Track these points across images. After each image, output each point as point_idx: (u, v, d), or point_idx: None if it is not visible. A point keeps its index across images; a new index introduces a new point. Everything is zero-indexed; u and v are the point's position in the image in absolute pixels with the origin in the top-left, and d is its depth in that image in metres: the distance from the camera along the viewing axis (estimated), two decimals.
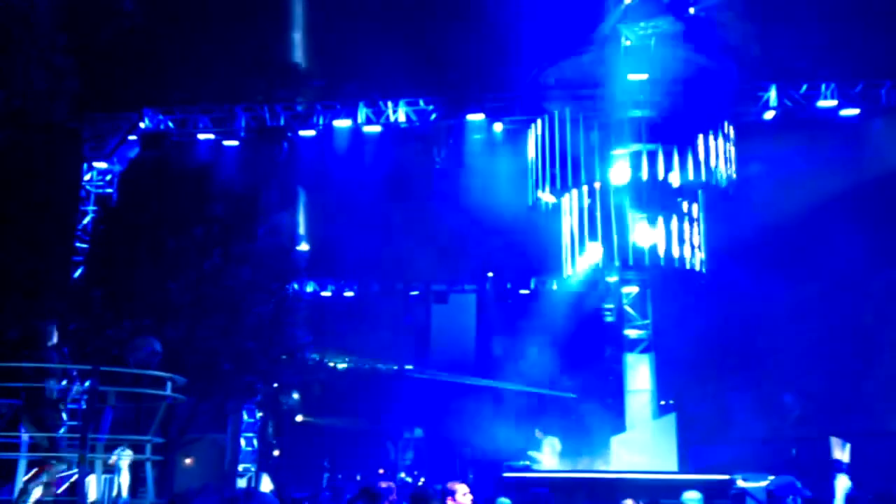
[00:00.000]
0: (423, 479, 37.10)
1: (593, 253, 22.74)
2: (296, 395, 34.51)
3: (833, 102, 24.13)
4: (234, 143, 25.93)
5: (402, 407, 36.99)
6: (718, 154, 22.90)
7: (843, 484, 9.12)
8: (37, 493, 9.49)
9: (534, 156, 24.22)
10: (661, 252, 22.32)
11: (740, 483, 17.63)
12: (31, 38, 20.12)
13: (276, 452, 36.78)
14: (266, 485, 29.47)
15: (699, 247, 22.91)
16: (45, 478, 9.54)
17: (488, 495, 13.66)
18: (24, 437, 9.68)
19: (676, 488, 13.74)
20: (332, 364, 34.26)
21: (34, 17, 20.09)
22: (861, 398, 26.16)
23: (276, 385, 27.92)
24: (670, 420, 22.37)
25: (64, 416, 10.09)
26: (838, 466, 10.35)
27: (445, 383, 34.93)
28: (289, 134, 26.06)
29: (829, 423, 25.43)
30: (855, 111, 24.07)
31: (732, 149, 23.57)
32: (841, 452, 10.55)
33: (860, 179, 24.86)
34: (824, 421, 25.95)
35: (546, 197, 23.93)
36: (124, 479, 10.16)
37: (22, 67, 19.93)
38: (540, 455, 22.33)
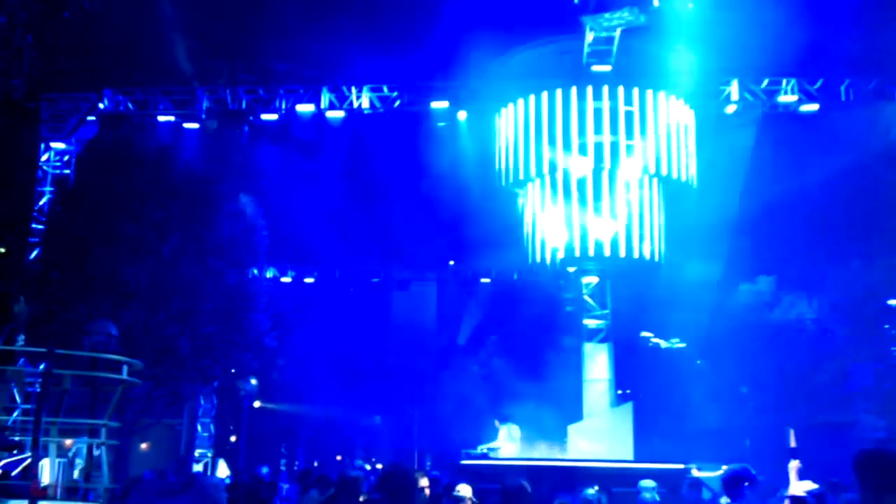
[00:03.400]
0: (380, 466, 37.12)
1: (554, 242, 22.85)
2: (254, 381, 34.34)
3: (793, 98, 24.42)
4: (195, 125, 25.67)
5: (361, 394, 36.98)
6: (679, 146, 23.11)
7: (794, 465, 9.32)
8: None
9: (497, 144, 24.27)
10: (622, 243, 22.48)
11: (695, 472, 17.82)
12: None
13: (232, 438, 36.62)
14: (223, 470, 29.35)
15: (659, 238, 23.11)
16: None
17: (446, 483, 13.69)
18: None
19: (632, 477, 13.88)
20: (290, 350, 34.13)
21: None
22: (813, 390, 26.56)
23: (233, 371, 27.74)
24: (627, 409, 22.54)
25: (18, 397, 9.97)
26: (791, 453, 10.55)
27: (404, 371, 34.96)
28: (250, 118, 25.83)
29: (782, 415, 25.81)
30: (815, 107, 24.37)
31: (693, 141, 23.79)
32: (788, 439, 10.78)
33: (819, 174, 25.21)
34: (777, 412, 26.33)
35: (509, 186, 24.00)
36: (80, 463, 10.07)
37: None
38: (495, 444, 22.41)
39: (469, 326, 36.43)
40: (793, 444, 10.13)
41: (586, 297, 24.01)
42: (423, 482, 9.00)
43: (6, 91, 21.87)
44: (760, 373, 29.34)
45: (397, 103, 25.29)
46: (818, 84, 24.35)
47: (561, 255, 22.86)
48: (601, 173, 22.57)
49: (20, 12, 20.50)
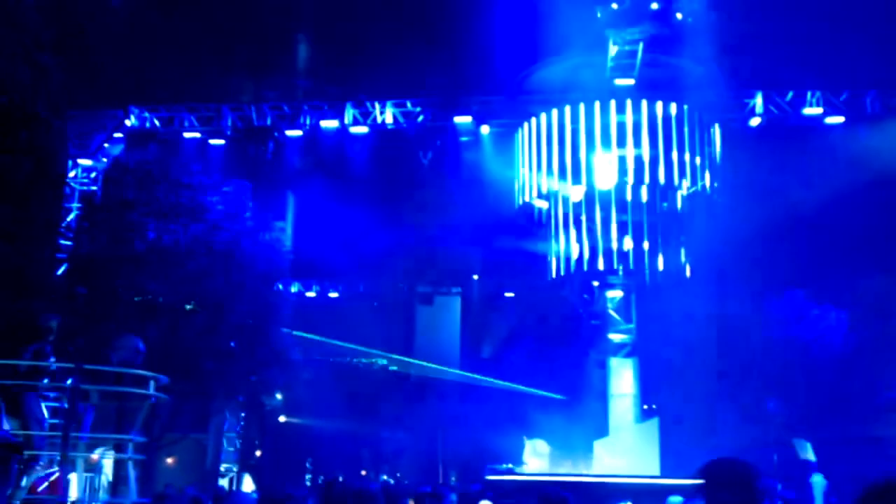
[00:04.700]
0: (405, 481, 37.05)
1: (578, 256, 22.79)
2: (279, 396, 34.40)
3: (818, 110, 24.27)
4: (221, 142, 25.85)
5: (386, 408, 36.95)
6: (704, 159, 23.00)
7: (819, 482, 9.29)
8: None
9: (520, 159, 24.26)
10: (646, 257, 22.39)
11: None
12: (17, 35, 20.01)
13: (258, 453, 36.67)
14: (248, 485, 29.40)
15: (684, 252, 23.00)
16: (24, 481, 9.44)
17: (471, 497, 13.65)
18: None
19: (658, 492, 13.79)
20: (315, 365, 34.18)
21: (20, 13, 19.98)
22: (841, 404, 26.28)
23: (258, 385, 27.80)
24: (653, 424, 22.43)
25: (45, 412, 10.04)
26: (811, 467, 10.49)
27: (429, 385, 34.91)
28: (275, 134, 25.98)
29: (811, 429, 25.54)
30: (840, 119, 24.21)
31: (718, 154, 23.68)
32: (807, 453, 10.71)
33: (846, 186, 24.99)
34: (805, 427, 26.05)
35: (532, 200, 23.98)
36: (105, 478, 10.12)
37: (6, 64, 19.81)
38: (524, 458, 22.41)
39: (493, 341, 36.36)
40: (811, 456, 10.03)
41: (611, 312, 23.92)
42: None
43: (33, 109, 22.13)
44: (789, 387, 29.07)
45: (420, 118, 25.37)
46: (843, 97, 24.20)
47: (586, 268, 22.79)
48: (625, 187, 22.50)
49: (47, 32, 20.77)
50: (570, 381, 28.86)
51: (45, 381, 9.70)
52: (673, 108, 22.69)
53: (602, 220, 22.54)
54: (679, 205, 22.95)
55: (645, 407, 24.39)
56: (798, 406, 28.63)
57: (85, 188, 25.74)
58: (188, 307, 23.69)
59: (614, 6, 20.72)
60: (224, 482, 30.05)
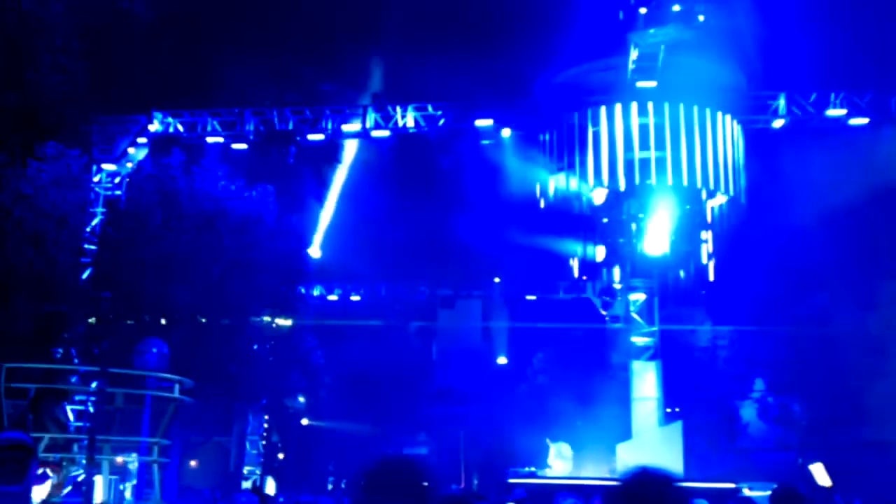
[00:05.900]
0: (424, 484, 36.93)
1: (601, 259, 22.75)
2: (301, 399, 34.51)
3: (842, 111, 24.06)
4: (243, 146, 25.94)
5: (408, 411, 37.01)
6: (728, 162, 22.89)
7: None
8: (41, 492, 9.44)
9: (542, 161, 24.24)
10: (669, 259, 22.31)
11: (746, 492, 17.59)
12: (46, 43, 20.22)
13: (280, 456, 36.81)
14: (270, 487, 29.49)
15: (707, 254, 22.90)
16: (55, 479, 9.52)
17: (494, 500, 13.66)
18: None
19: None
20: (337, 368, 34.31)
21: (49, 22, 20.19)
22: (866, 407, 26.06)
23: (281, 388, 27.91)
24: (676, 427, 22.32)
25: (71, 416, 10.15)
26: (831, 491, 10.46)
27: (451, 388, 34.92)
28: (297, 138, 26.03)
29: (835, 433, 25.37)
30: (864, 120, 24.00)
31: (742, 156, 23.57)
32: (823, 476, 10.64)
33: (870, 188, 24.80)
34: (830, 430, 25.88)
35: (554, 203, 23.95)
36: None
37: (35, 71, 20.02)
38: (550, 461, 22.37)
39: (514, 343, 36.33)
40: (827, 482, 9.93)
41: (634, 315, 23.83)
42: None
43: (59, 114, 22.33)
44: (812, 390, 28.88)
45: (442, 121, 25.35)
46: (867, 97, 24.01)
47: (609, 271, 22.75)
48: (647, 189, 22.43)
49: (74, 41, 20.96)
50: (592, 383, 28.79)
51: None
52: (695, 110, 22.59)
53: (624, 223, 22.47)
54: (701, 207, 22.86)
55: (668, 410, 24.27)
56: (822, 409, 28.45)
57: (109, 193, 25.87)
58: (212, 311, 23.82)
59: (642, 11, 20.63)
60: (247, 485, 30.16)
